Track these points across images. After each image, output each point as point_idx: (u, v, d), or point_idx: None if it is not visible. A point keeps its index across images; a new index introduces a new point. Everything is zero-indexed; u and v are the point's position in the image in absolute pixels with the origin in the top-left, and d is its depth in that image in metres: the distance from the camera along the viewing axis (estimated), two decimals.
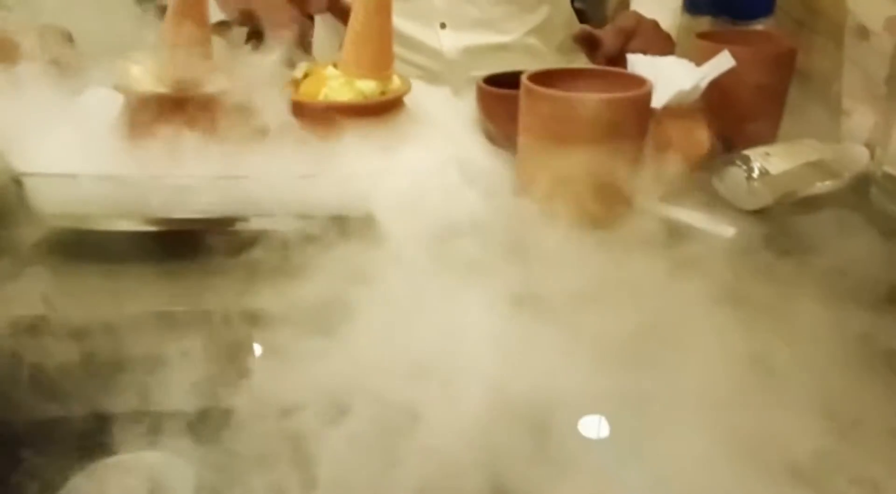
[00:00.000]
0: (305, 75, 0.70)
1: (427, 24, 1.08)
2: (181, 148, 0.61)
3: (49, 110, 0.67)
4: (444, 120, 0.72)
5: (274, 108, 0.65)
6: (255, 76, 0.66)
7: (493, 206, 0.60)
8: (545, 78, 0.67)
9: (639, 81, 0.68)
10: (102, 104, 0.67)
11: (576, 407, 0.47)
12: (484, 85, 0.75)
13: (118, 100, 0.66)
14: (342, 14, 0.78)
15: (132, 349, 0.54)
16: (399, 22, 1.02)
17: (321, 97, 0.67)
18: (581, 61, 1.00)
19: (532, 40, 1.11)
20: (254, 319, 0.55)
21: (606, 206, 0.63)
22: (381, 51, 0.67)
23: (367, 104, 0.67)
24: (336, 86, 0.67)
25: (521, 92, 0.67)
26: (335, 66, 0.69)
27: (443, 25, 1.08)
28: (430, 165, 0.64)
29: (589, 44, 0.96)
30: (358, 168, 0.62)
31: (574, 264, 0.54)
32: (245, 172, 0.62)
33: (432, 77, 0.75)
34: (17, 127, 0.65)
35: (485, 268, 0.54)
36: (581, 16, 1.20)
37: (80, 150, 0.63)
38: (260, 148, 0.63)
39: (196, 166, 0.61)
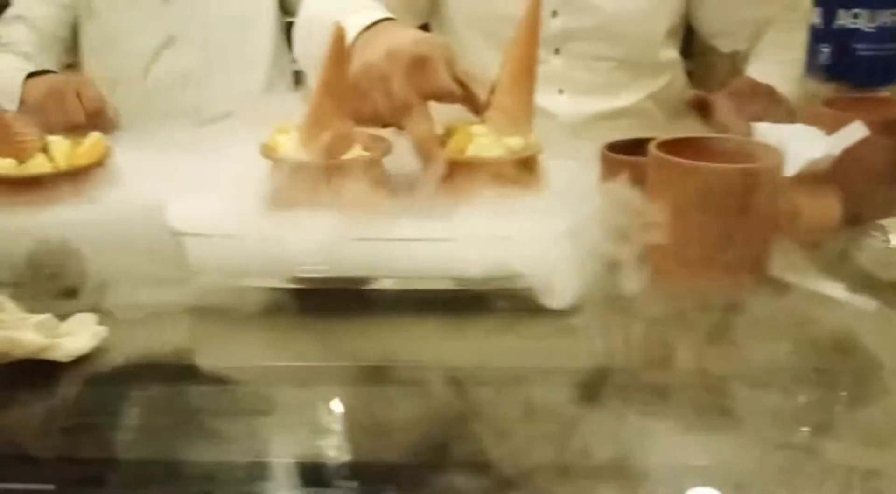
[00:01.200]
0: (447, 133, 0.71)
1: (544, 89, 1.09)
2: (326, 212, 0.64)
3: (200, 172, 0.71)
4: (569, 184, 0.73)
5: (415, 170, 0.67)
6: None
7: (629, 277, 0.61)
8: (671, 146, 0.68)
9: (768, 150, 0.67)
10: (249, 168, 0.71)
11: None
12: (608, 152, 0.76)
13: (264, 165, 0.69)
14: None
15: (284, 399, 0.56)
16: None
17: (469, 154, 0.68)
18: (689, 125, 1.00)
19: (649, 105, 1.12)
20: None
21: (741, 278, 0.62)
22: (528, 104, 0.69)
23: (512, 160, 0.68)
24: (485, 143, 0.68)
25: (651, 161, 0.67)
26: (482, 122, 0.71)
27: (560, 91, 1.09)
28: (562, 231, 0.64)
29: (702, 109, 0.96)
30: (496, 231, 0.63)
31: None
32: (385, 234, 0.64)
33: (547, 142, 0.78)
34: (172, 187, 0.70)
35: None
36: (690, 77, 1.20)
37: (232, 211, 0.66)
38: (399, 211, 0.65)
39: (339, 229, 0.63)
